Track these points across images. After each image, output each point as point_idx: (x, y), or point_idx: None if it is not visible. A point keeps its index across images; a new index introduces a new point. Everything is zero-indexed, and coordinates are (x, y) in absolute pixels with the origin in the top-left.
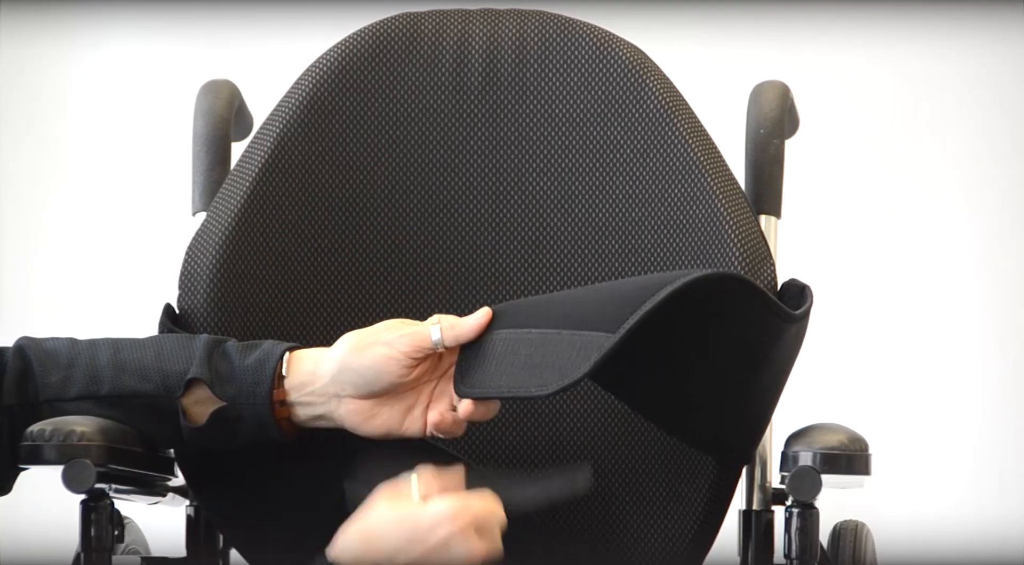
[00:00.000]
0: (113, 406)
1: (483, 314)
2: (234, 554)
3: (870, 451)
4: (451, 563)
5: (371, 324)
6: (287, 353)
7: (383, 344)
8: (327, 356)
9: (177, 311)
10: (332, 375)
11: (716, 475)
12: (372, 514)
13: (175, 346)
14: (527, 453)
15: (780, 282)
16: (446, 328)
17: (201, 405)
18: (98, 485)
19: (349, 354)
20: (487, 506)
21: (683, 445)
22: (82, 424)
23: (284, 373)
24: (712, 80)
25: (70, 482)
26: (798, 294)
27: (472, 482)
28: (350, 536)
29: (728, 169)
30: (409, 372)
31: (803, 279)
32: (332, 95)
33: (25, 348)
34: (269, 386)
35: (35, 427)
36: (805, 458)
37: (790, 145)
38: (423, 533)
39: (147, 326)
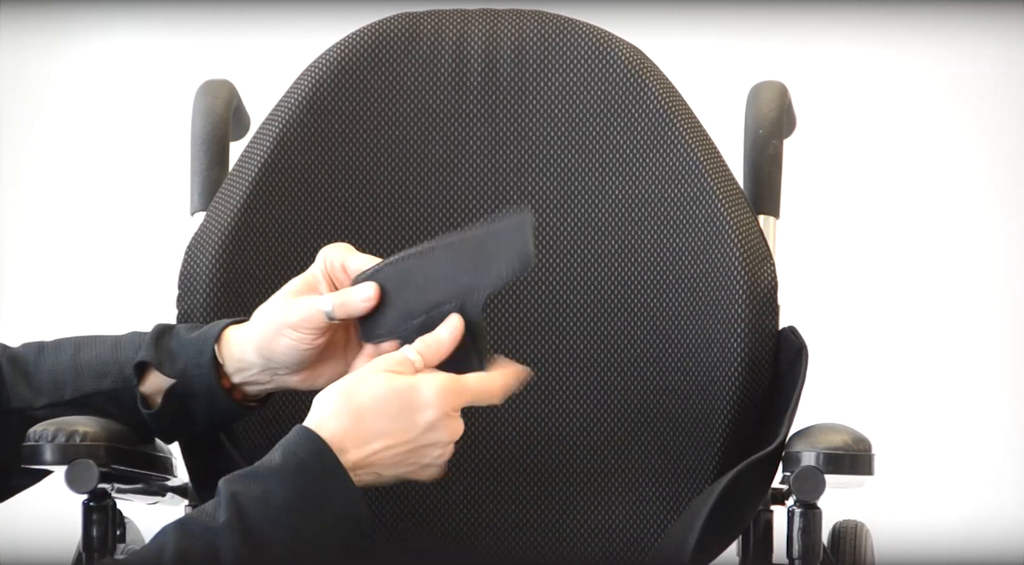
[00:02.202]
0: (79, 407)
1: (370, 290)
2: None
3: (873, 451)
4: (432, 446)
5: None
6: (225, 330)
7: (288, 328)
8: (248, 344)
9: (177, 311)
10: (261, 364)
11: (715, 475)
12: (362, 384)
13: (132, 339)
14: (527, 452)
15: (780, 288)
16: (337, 305)
17: (158, 390)
18: (100, 485)
19: (264, 344)
20: (485, 385)
21: (683, 445)
22: (85, 424)
23: (221, 361)
24: (711, 80)
25: (73, 482)
26: (795, 354)
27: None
28: (334, 404)
29: (728, 169)
30: (321, 338)
31: (801, 280)
32: (331, 95)
33: None
34: (211, 355)
35: (38, 428)
36: (808, 458)
37: (789, 145)
38: (411, 412)
39: (147, 326)
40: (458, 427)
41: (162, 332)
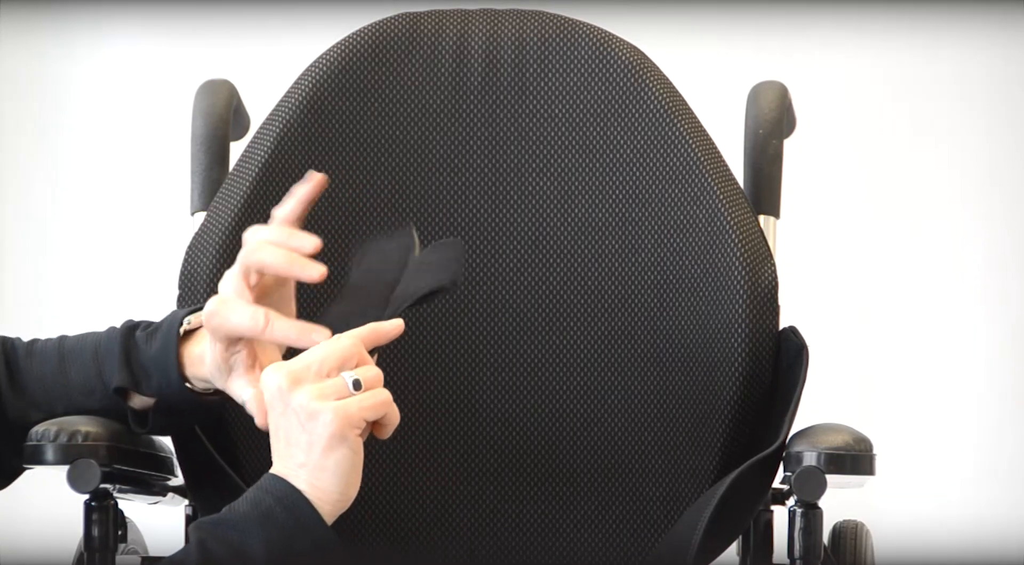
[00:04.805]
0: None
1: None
2: None
3: (875, 451)
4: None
5: None
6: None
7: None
8: (213, 382)
9: None
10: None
11: (716, 475)
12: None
13: (110, 345)
14: (527, 452)
15: (779, 289)
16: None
17: (146, 404)
18: (102, 485)
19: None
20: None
21: (683, 445)
22: (86, 424)
23: (191, 385)
24: (712, 80)
25: (75, 482)
26: (796, 354)
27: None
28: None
29: (728, 169)
30: (231, 350)
31: (801, 280)
32: (331, 95)
33: None
34: (177, 375)
35: (39, 427)
36: (810, 458)
37: (790, 145)
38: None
39: None
40: (327, 387)
41: (126, 341)
